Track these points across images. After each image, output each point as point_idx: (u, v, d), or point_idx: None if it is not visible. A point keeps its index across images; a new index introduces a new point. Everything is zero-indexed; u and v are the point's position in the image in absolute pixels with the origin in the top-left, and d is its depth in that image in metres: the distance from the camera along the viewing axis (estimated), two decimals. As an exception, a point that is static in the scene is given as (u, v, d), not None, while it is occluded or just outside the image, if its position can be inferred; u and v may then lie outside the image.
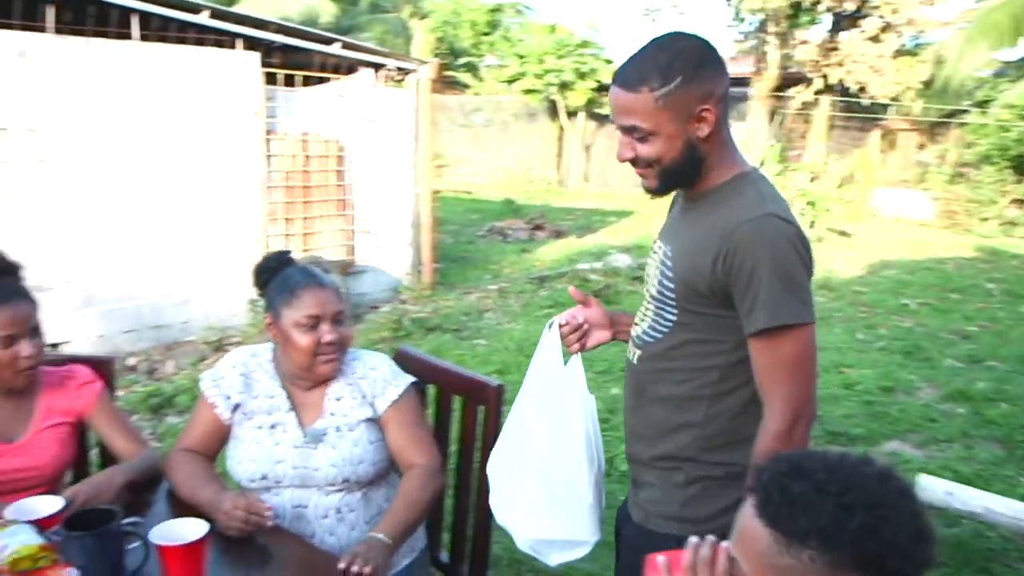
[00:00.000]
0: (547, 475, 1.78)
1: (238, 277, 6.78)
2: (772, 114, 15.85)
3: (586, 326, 1.87)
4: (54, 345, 5.57)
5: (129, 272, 6.09)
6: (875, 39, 14.53)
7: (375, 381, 2.05)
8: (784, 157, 13.98)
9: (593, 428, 1.81)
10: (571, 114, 19.94)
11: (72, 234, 5.74)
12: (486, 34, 25.50)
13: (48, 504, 1.76)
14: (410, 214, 8.26)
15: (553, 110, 20.25)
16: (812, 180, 13.78)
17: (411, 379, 2.09)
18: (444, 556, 2.33)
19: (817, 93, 15.87)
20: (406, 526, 1.88)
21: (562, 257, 10.55)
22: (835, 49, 15.10)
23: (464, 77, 24.30)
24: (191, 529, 1.62)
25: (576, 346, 1.87)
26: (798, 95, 16.05)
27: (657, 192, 1.67)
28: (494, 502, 1.92)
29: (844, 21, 15.14)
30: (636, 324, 1.78)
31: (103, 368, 2.33)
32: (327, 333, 1.96)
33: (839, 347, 6.34)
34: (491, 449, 1.98)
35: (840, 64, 14.92)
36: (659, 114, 1.53)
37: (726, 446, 1.63)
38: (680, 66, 1.51)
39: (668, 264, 1.64)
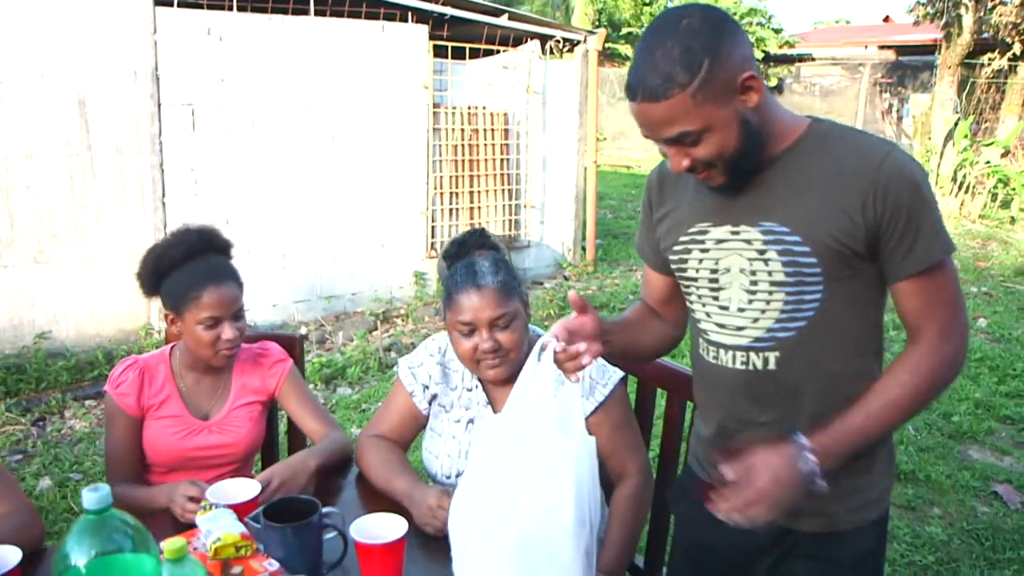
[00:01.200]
0: (525, 546, 1.37)
1: (405, 249, 6.84)
2: (961, 84, 14.57)
3: (583, 345, 1.48)
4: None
5: (302, 243, 6.23)
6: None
7: (582, 378, 1.88)
8: (972, 131, 12.86)
9: (590, 480, 1.43)
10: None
11: (251, 206, 5.92)
12: (647, 4, 24.87)
13: (244, 488, 1.70)
14: (573, 188, 8.09)
15: (715, 82, 19.55)
16: (1004, 156, 12.62)
17: (620, 374, 1.89)
18: (639, 560, 2.16)
19: (1012, 60, 14.46)
20: (625, 559, 1.75)
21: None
22: (1039, 9, 13.68)
23: (624, 49, 23.82)
24: (391, 526, 1.52)
25: (575, 375, 1.50)
26: (991, 63, 14.68)
27: (730, 188, 1.44)
28: (455, 566, 1.48)
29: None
30: (737, 330, 1.48)
31: (293, 345, 2.29)
32: (484, 341, 1.79)
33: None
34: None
35: (1044, 26, 13.51)
36: (702, 109, 1.31)
37: None
38: (700, 46, 1.28)
39: (790, 239, 1.40)
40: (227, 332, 1.98)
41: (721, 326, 1.52)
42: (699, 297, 1.55)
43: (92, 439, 4.16)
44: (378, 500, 1.82)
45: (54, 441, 4.17)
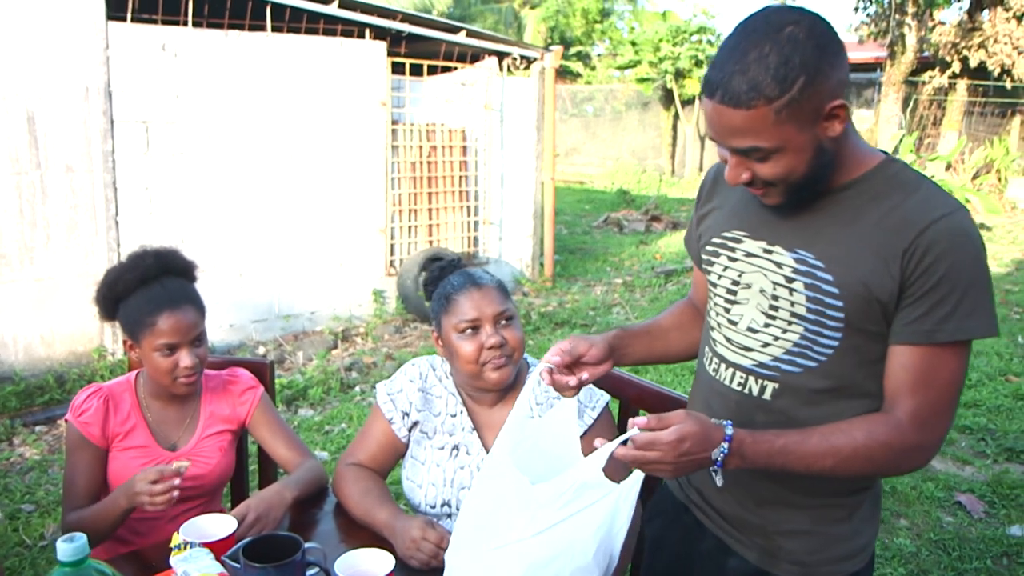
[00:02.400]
0: None
1: (363, 267, 6.77)
2: (905, 101, 14.97)
3: (585, 375, 1.48)
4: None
5: (260, 262, 6.13)
6: (1021, 19, 13.51)
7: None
8: (916, 146, 13.20)
9: (619, 528, 1.36)
10: (685, 103, 19.44)
11: (207, 224, 5.81)
12: (597, 22, 25.13)
13: (220, 524, 1.64)
14: (531, 205, 8.10)
15: (667, 99, 19.78)
16: (947, 169, 12.97)
17: (606, 398, 1.88)
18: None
19: (952, 78, 14.91)
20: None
21: (682, 250, 10.21)
22: (975, 30, 14.14)
23: (575, 66, 24.02)
24: (377, 562, 1.48)
25: (571, 391, 1.48)
26: (932, 80, 15.11)
27: (784, 209, 1.38)
28: None
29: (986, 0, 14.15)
30: (743, 349, 1.45)
31: (263, 372, 2.23)
32: (490, 336, 1.77)
33: (1000, 352, 5.83)
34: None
35: (982, 46, 13.95)
36: (782, 128, 1.22)
37: None
38: (799, 61, 1.18)
39: (821, 275, 1.32)
40: (185, 359, 1.91)
41: (729, 340, 1.48)
42: (715, 304, 1.52)
43: (44, 467, 4.02)
44: (357, 532, 1.78)
45: (3, 470, 4.01)
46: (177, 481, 1.73)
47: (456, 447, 1.84)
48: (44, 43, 4.96)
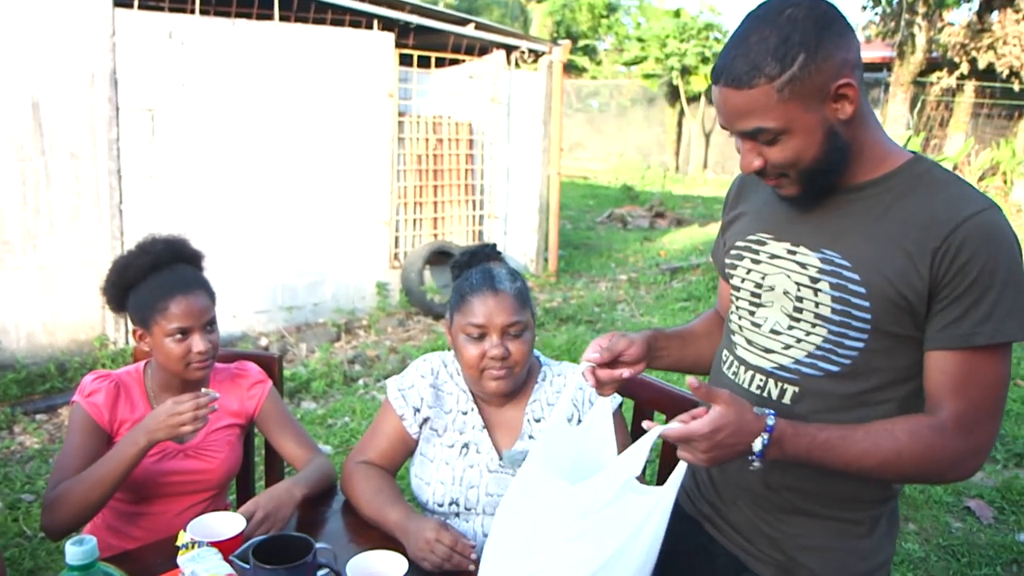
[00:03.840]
0: None
1: (367, 260, 6.74)
2: (912, 101, 14.91)
3: (626, 372, 1.45)
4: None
5: (263, 252, 6.10)
6: (1031, 20, 13.46)
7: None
8: (923, 147, 13.15)
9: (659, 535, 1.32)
10: (691, 99, 19.40)
11: (211, 214, 5.77)
12: (604, 17, 25.06)
13: (228, 523, 1.60)
14: (536, 199, 8.06)
15: (672, 95, 19.73)
16: (954, 171, 12.91)
17: (619, 400, 1.84)
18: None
19: (960, 79, 14.85)
20: None
21: (688, 246, 10.18)
22: (985, 31, 14.08)
23: (581, 61, 23.95)
24: (389, 564, 1.44)
25: (609, 389, 1.47)
26: (940, 81, 15.05)
27: (800, 201, 1.35)
28: None
29: (996, 0, 14.09)
30: (763, 351, 1.41)
31: (271, 366, 2.20)
32: (494, 347, 1.72)
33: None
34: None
35: (991, 47, 13.90)
36: (786, 107, 1.21)
37: None
38: (799, 39, 1.19)
39: (848, 275, 1.29)
40: (198, 344, 1.88)
41: (750, 343, 1.45)
42: (737, 308, 1.49)
43: (44, 456, 3.99)
44: (366, 531, 1.74)
45: (3, 459, 3.98)
46: (205, 399, 1.73)
47: (466, 445, 1.81)
48: (50, 29, 4.92)
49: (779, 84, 1.20)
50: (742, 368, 1.46)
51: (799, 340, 1.37)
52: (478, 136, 7.51)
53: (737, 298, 1.49)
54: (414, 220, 7.08)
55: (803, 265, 1.35)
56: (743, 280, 1.46)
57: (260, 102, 5.89)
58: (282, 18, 6.00)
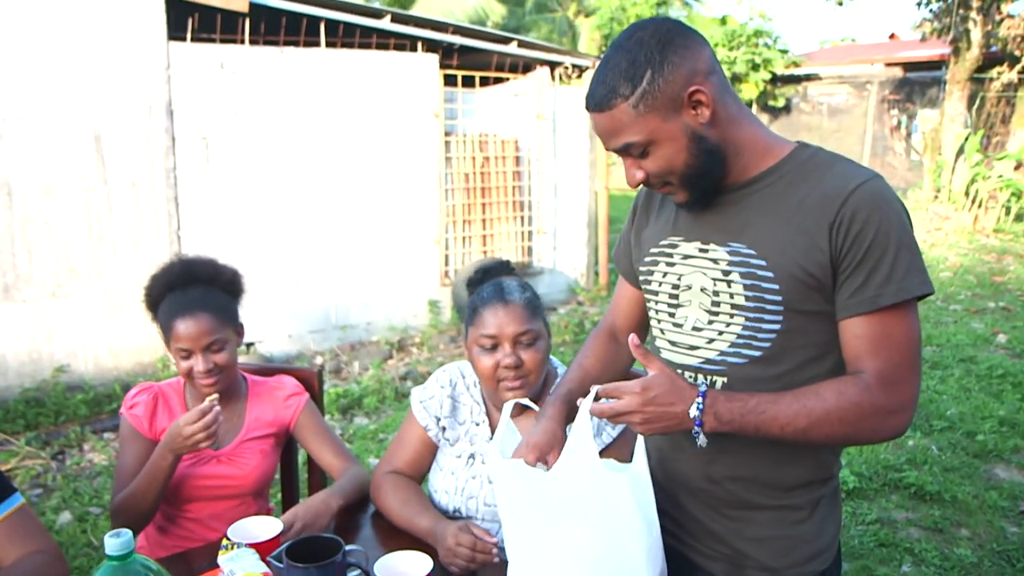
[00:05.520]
0: None
1: (418, 278, 6.85)
2: (971, 99, 14.55)
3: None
4: (248, 345, 5.79)
5: (317, 273, 6.26)
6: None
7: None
8: (983, 145, 12.81)
9: (650, 508, 1.41)
10: (743, 107, 19.20)
11: (265, 237, 5.95)
12: (653, 28, 24.98)
13: (266, 527, 1.69)
14: (585, 214, 8.11)
15: (724, 103, 19.55)
16: (1017, 168, 12.56)
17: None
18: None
19: (1022, 73, 14.42)
20: None
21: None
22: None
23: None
24: (415, 564, 1.51)
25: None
26: (1000, 76, 14.64)
27: (694, 204, 1.43)
28: None
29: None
30: (689, 349, 1.47)
31: (311, 380, 2.29)
32: (507, 356, 1.78)
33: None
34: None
35: (1053, 39, 13.47)
36: (646, 120, 1.31)
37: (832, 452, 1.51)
38: (644, 57, 1.29)
39: (755, 263, 1.37)
40: (199, 364, 1.99)
41: (673, 344, 1.50)
42: (657, 312, 1.55)
43: (110, 472, 4.17)
44: (398, 536, 1.81)
45: (73, 475, 4.18)
46: (211, 416, 1.84)
47: (472, 456, 1.87)
48: (109, 65, 5.16)
49: (633, 101, 1.30)
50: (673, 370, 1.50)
51: (720, 332, 1.43)
52: (524, 152, 7.60)
53: (656, 303, 1.54)
54: (463, 238, 7.19)
55: (715, 260, 1.42)
56: (660, 284, 1.52)
57: (310, 127, 6.07)
58: (328, 44, 6.18)
